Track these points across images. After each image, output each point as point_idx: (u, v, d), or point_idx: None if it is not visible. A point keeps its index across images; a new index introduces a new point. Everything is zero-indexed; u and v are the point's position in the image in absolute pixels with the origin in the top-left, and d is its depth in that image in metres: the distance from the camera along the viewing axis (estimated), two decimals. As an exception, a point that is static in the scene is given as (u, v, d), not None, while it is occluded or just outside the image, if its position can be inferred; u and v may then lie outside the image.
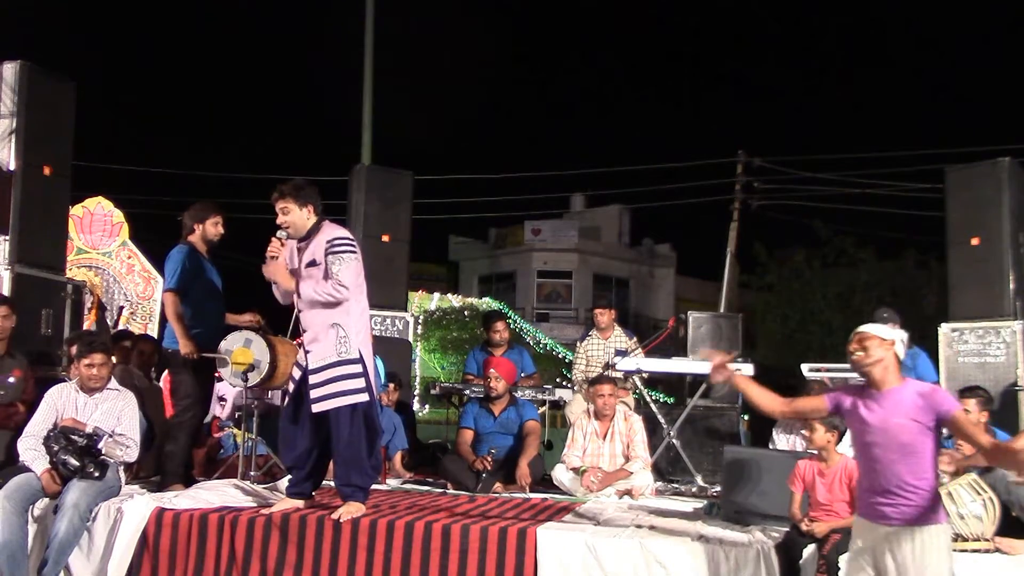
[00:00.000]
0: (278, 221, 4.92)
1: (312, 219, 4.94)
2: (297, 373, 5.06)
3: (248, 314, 6.03)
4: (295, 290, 4.86)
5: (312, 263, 4.88)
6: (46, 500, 5.05)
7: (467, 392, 7.33)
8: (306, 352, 4.94)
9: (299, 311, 4.96)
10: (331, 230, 4.93)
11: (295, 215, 4.89)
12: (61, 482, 4.97)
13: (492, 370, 6.64)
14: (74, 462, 4.92)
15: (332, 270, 4.81)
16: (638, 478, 6.03)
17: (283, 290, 4.98)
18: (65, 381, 5.50)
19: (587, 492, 5.95)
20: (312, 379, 4.88)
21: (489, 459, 6.24)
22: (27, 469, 5.03)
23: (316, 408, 4.86)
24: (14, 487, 4.94)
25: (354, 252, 4.90)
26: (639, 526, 4.83)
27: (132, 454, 5.27)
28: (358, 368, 4.88)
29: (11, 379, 5.58)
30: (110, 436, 5.10)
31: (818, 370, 5.83)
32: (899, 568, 3.41)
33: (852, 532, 3.70)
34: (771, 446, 6.07)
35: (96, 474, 4.95)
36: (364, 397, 4.88)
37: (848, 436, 5.01)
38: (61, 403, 5.20)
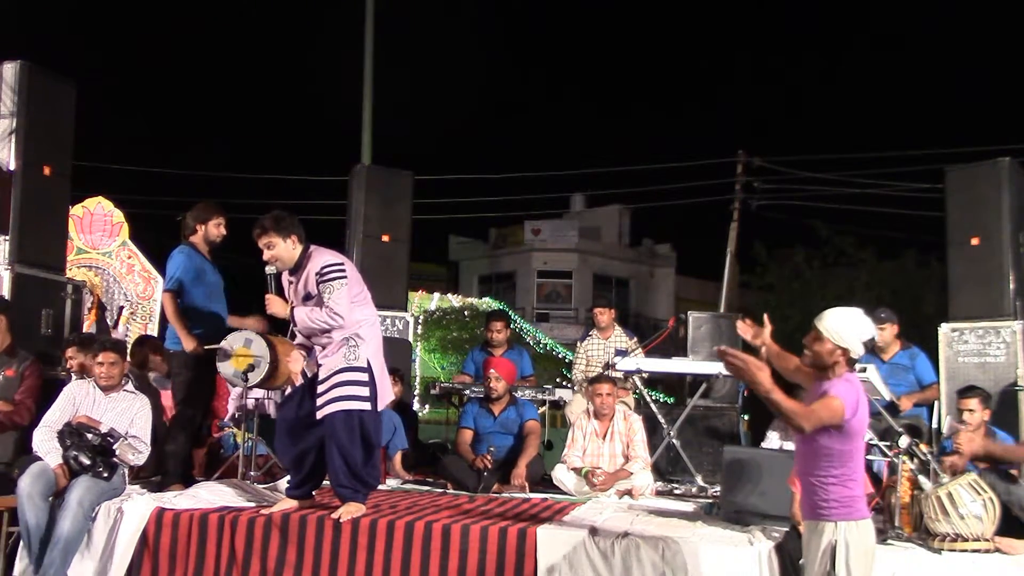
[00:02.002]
0: (264, 258, 4.89)
1: (298, 248, 4.93)
2: (300, 380, 5.08)
3: (252, 319, 6.02)
4: (291, 319, 4.90)
5: (307, 296, 4.92)
6: (51, 497, 5.04)
7: (467, 392, 7.33)
8: (318, 365, 4.98)
9: (305, 336, 5.02)
10: (319, 258, 4.91)
11: (280, 248, 4.88)
12: (69, 477, 4.99)
13: (492, 370, 6.64)
14: (85, 460, 4.95)
15: (324, 299, 4.84)
16: (638, 478, 6.04)
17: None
18: (68, 381, 5.50)
19: (594, 490, 5.96)
20: (320, 387, 4.93)
21: (489, 458, 6.24)
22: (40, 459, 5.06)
23: (320, 413, 4.90)
24: (37, 472, 4.97)
25: (343, 277, 4.89)
26: (639, 526, 4.83)
27: (142, 458, 5.29)
28: (364, 376, 4.94)
29: (0, 376, 5.58)
30: (124, 439, 5.11)
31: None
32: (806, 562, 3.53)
33: None
34: (763, 444, 6.07)
35: (105, 474, 4.99)
36: (366, 406, 4.92)
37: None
38: (79, 399, 5.23)
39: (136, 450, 5.19)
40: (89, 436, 5.01)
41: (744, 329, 3.74)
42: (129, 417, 5.26)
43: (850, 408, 3.37)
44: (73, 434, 5.02)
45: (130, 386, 5.43)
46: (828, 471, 3.45)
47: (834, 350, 3.48)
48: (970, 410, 5.36)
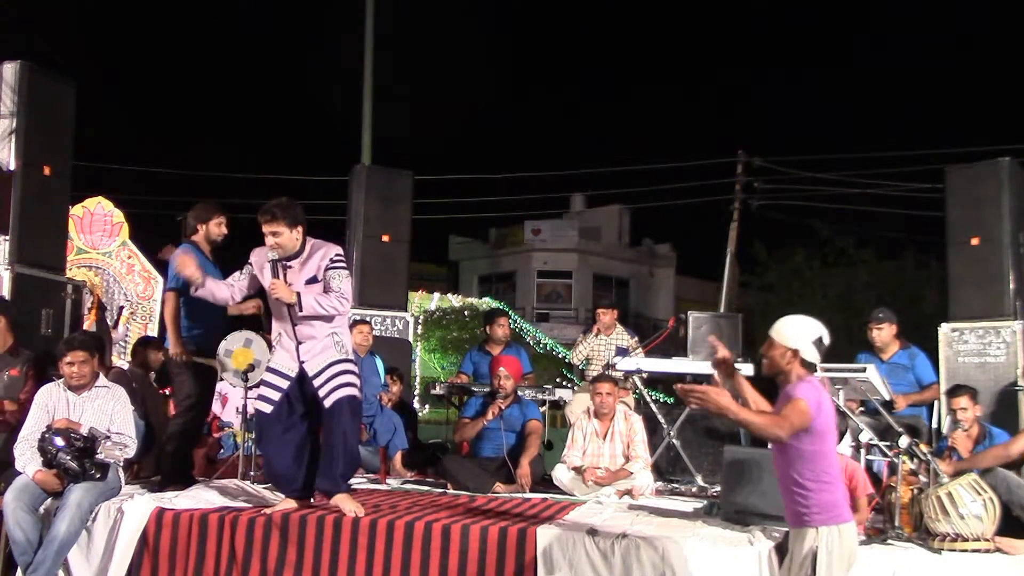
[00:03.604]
0: (268, 244, 4.90)
1: (300, 238, 4.97)
2: (282, 382, 5.03)
3: (251, 302, 6.00)
4: (297, 304, 4.86)
5: (313, 279, 4.95)
6: (49, 499, 5.02)
7: (473, 388, 7.33)
8: (301, 362, 4.99)
9: (294, 324, 4.97)
10: (330, 247, 5.03)
11: (286, 238, 4.90)
12: (62, 482, 4.94)
13: (502, 368, 6.63)
14: (75, 467, 4.89)
15: (332, 284, 4.92)
16: (638, 478, 6.03)
17: (278, 304, 4.99)
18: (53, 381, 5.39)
19: (589, 486, 5.97)
20: (318, 380, 4.96)
21: (501, 405, 6.42)
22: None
23: (328, 402, 4.94)
24: (20, 487, 4.93)
25: (347, 268, 5.10)
26: (639, 526, 4.82)
27: (130, 451, 5.25)
28: (355, 367, 5.10)
29: (4, 376, 5.56)
30: (107, 438, 5.05)
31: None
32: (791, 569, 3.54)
33: None
34: (769, 445, 6.07)
35: (98, 475, 4.94)
36: (360, 393, 5.10)
37: (847, 437, 5.04)
38: (51, 404, 5.13)
39: (122, 445, 5.14)
40: (74, 438, 4.93)
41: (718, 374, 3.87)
42: (107, 414, 5.18)
43: (814, 407, 3.44)
44: (56, 439, 4.92)
45: (102, 380, 5.33)
46: (805, 475, 3.49)
47: (785, 352, 3.58)
48: (962, 408, 5.41)
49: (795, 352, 3.56)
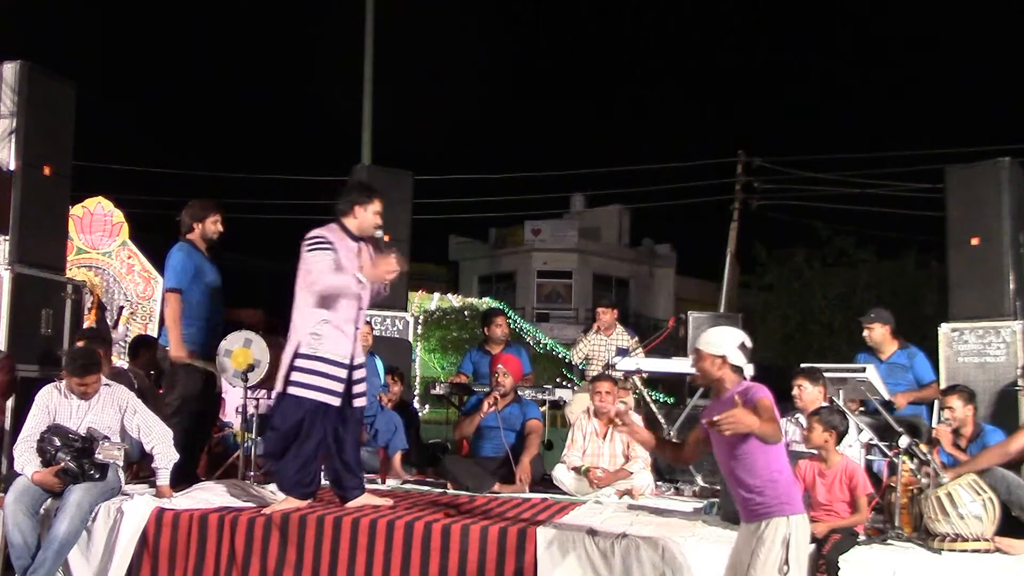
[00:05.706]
0: (375, 223, 5.27)
1: None
2: (341, 372, 5.02)
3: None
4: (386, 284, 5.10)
5: None
6: (49, 500, 5.01)
7: (473, 388, 7.33)
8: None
9: (360, 309, 5.12)
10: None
11: None
12: (63, 482, 4.92)
13: (500, 366, 6.63)
14: (74, 468, 4.88)
15: None
16: (638, 478, 6.04)
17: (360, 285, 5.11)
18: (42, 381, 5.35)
19: (592, 486, 5.97)
20: (357, 373, 5.13)
21: (497, 397, 6.45)
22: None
23: (356, 403, 5.12)
24: (21, 489, 4.91)
25: None
26: (638, 526, 4.82)
27: (169, 436, 5.24)
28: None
29: None
30: (105, 439, 5.04)
31: (815, 370, 5.80)
32: (751, 562, 3.60)
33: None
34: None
35: (97, 476, 4.94)
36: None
37: (848, 436, 5.04)
38: (53, 406, 5.09)
39: (161, 444, 5.17)
40: (72, 438, 4.92)
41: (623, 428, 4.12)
42: (119, 412, 5.16)
43: (773, 402, 3.59)
44: (54, 439, 4.90)
45: (102, 379, 5.25)
46: (771, 466, 3.60)
47: (715, 361, 3.73)
48: (950, 407, 5.41)
49: (724, 359, 3.71)
